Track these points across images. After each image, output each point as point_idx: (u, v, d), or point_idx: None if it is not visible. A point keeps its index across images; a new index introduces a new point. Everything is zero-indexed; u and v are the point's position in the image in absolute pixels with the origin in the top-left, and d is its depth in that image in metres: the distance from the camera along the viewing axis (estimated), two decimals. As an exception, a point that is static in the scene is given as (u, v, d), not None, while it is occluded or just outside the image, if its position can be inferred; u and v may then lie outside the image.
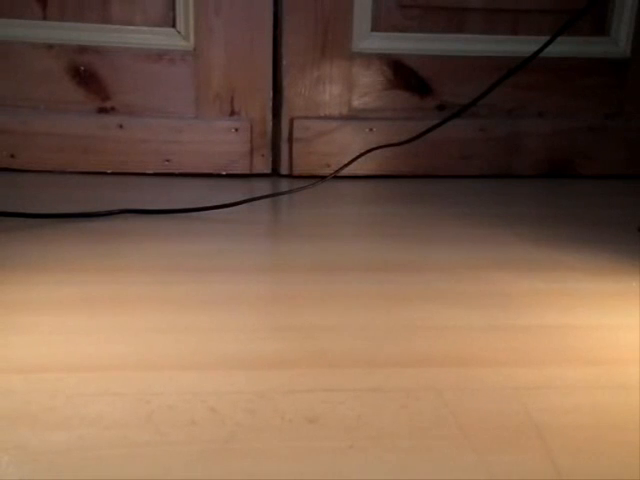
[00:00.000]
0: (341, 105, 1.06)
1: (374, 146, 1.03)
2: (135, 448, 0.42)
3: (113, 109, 1.04)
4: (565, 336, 0.58)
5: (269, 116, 1.06)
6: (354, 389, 0.49)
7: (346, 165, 1.00)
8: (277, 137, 1.08)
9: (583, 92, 1.10)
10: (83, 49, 1.01)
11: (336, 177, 1.00)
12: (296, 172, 1.07)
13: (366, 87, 1.07)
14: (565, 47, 1.03)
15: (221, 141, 1.05)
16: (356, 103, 1.07)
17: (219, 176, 1.06)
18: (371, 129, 1.07)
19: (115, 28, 1.01)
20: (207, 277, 0.69)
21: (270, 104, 1.06)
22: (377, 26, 1.05)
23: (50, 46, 1.01)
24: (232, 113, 1.05)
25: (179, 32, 1.02)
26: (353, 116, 1.07)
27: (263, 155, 1.07)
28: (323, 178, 0.98)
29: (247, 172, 1.07)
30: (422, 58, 1.06)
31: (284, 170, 1.08)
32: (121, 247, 0.76)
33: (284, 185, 1.04)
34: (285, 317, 0.61)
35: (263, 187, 1.04)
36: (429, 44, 1.06)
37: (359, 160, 1.01)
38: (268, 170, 1.08)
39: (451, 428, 0.45)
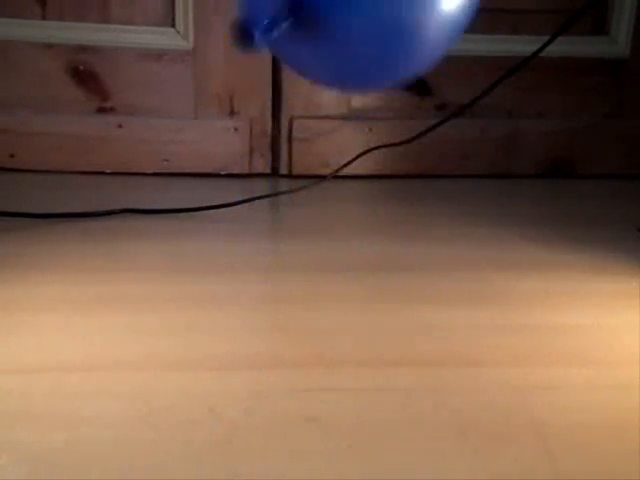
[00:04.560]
0: (340, 105, 1.06)
1: (374, 146, 1.03)
2: (134, 448, 0.42)
3: (112, 109, 1.03)
4: (565, 336, 0.58)
5: (268, 116, 1.06)
6: (354, 389, 0.49)
7: (346, 165, 1.00)
8: (277, 137, 1.07)
9: (583, 92, 1.10)
10: (83, 49, 1.01)
11: (336, 177, 1.00)
12: (296, 172, 1.07)
13: (366, 87, 1.06)
14: (565, 47, 1.03)
15: (220, 141, 1.05)
16: (355, 103, 1.07)
17: (219, 176, 1.06)
18: (371, 129, 1.07)
19: (115, 28, 1.01)
20: (207, 277, 0.69)
21: (269, 104, 1.06)
22: (377, 26, 1.05)
23: (50, 46, 1.01)
24: (231, 113, 1.05)
25: (179, 32, 1.02)
26: (353, 116, 1.07)
27: (262, 155, 1.07)
28: (323, 178, 0.98)
29: (246, 172, 1.07)
30: (422, 58, 1.06)
31: (283, 170, 1.08)
32: (121, 247, 0.76)
33: (284, 185, 1.04)
34: (285, 317, 0.61)
35: (263, 187, 1.04)
36: (429, 44, 1.06)
37: (359, 160, 1.01)
38: (268, 170, 1.08)
39: (451, 428, 0.45)
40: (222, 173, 1.06)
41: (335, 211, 0.94)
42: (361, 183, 1.06)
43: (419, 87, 1.08)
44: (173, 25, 1.02)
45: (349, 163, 1.00)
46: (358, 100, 1.07)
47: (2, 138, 1.02)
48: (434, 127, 1.00)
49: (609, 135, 1.11)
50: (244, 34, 0.37)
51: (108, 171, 1.04)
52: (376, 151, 1.03)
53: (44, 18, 1.00)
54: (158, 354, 0.53)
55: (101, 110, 1.03)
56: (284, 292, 0.67)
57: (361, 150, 1.03)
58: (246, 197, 0.90)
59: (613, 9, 1.07)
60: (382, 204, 0.99)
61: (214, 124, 1.05)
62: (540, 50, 0.93)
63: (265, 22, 0.38)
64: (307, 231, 0.84)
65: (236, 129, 1.05)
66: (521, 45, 1.02)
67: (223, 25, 1.01)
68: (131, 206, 0.86)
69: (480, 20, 1.18)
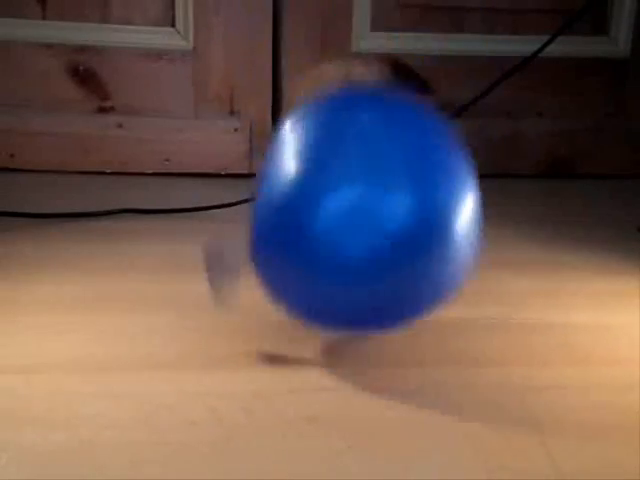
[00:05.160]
0: (341, 105, 1.06)
1: (374, 146, 1.03)
2: (135, 448, 0.42)
3: (112, 109, 1.03)
4: (565, 336, 0.58)
5: (269, 116, 1.06)
6: (354, 389, 0.49)
7: (346, 165, 1.00)
8: (277, 137, 1.07)
9: (583, 92, 1.10)
10: (83, 49, 1.01)
11: (336, 177, 1.00)
12: (296, 172, 1.07)
13: (366, 87, 1.06)
14: (565, 47, 1.03)
15: (221, 141, 1.05)
16: (356, 103, 1.07)
17: (219, 176, 1.06)
18: (371, 129, 1.06)
19: (115, 28, 1.01)
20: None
21: (270, 104, 1.06)
22: (376, 26, 1.05)
23: (50, 46, 1.01)
24: (232, 113, 1.05)
25: (179, 32, 1.02)
26: (353, 116, 1.07)
27: (263, 155, 1.07)
28: (323, 178, 0.98)
29: (247, 172, 1.07)
30: (422, 58, 1.06)
31: (284, 170, 1.08)
32: (121, 247, 0.76)
33: (284, 185, 1.04)
34: (285, 317, 0.61)
35: (263, 187, 1.04)
36: (428, 44, 1.06)
37: (359, 160, 1.01)
38: (268, 170, 1.08)
39: (452, 428, 0.45)
40: (222, 173, 1.06)
41: (335, 211, 0.93)
42: (361, 183, 1.05)
43: (419, 87, 1.08)
44: (173, 25, 1.02)
45: (349, 163, 1.00)
46: (358, 100, 1.07)
47: (2, 138, 1.02)
48: (434, 127, 1.00)
49: (609, 135, 1.11)
50: None
51: (108, 171, 1.04)
52: (376, 151, 1.03)
53: (44, 18, 1.00)
54: (158, 354, 0.53)
55: (101, 110, 1.03)
56: (284, 292, 0.66)
57: (361, 150, 1.02)
58: (246, 197, 0.90)
59: (613, 9, 1.07)
60: (382, 204, 0.98)
61: (214, 124, 1.05)
62: (540, 50, 0.93)
63: None
64: (307, 231, 0.84)
65: (236, 129, 1.05)
66: (521, 45, 1.02)
67: (223, 25, 1.01)
68: (131, 206, 0.86)
69: (480, 20, 1.18)
